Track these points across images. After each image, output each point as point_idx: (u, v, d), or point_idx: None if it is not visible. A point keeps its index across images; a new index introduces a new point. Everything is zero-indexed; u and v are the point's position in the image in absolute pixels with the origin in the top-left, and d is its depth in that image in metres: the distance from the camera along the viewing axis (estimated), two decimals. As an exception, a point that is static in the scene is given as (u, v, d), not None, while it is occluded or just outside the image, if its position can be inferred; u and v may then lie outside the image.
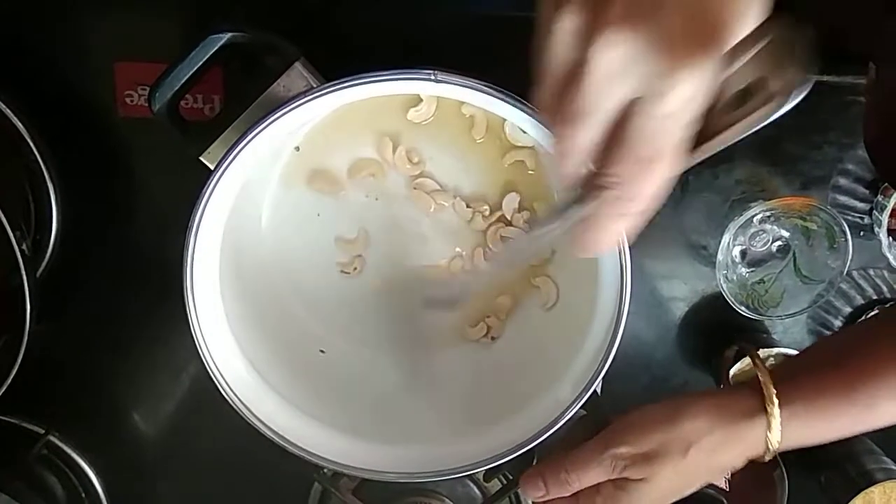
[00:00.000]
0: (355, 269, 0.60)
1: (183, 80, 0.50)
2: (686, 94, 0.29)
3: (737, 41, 0.29)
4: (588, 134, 0.32)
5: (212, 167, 0.48)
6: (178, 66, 0.49)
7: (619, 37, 0.29)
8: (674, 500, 0.48)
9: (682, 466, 0.45)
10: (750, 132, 0.33)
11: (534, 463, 0.53)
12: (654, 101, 0.30)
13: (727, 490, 0.66)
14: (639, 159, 0.32)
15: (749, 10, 0.29)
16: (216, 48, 0.49)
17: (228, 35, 0.49)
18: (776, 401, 0.44)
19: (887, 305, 0.67)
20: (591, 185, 0.34)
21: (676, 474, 0.45)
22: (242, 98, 0.50)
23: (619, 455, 0.46)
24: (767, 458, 0.46)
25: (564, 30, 0.30)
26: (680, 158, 0.32)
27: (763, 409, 0.45)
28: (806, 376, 0.46)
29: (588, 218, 0.35)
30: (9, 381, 0.54)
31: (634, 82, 0.30)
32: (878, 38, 0.48)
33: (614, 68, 0.30)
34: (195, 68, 0.49)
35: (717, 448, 0.45)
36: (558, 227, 0.38)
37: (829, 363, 0.46)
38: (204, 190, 0.47)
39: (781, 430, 0.44)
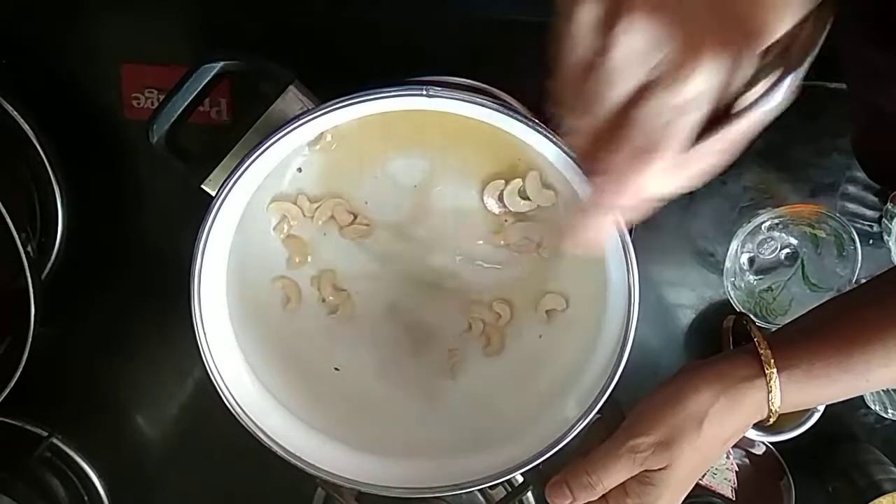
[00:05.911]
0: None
1: (179, 111, 0.51)
2: (700, 87, 0.29)
3: (772, 41, 0.28)
4: (597, 116, 0.31)
5: (213, 194, 0.48)
6: (174, 98, 0.50)
7: (642, 23, 0.29)
8: (696, 479, 0.48)
9: (699, 442, 0.45)
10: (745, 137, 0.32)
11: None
12: (666, 89, 0.29)
13: (734, 499, 0.66)
14: (635, 149, 0.31)
15: (787, 10, 0.28)
16: (210, 77, 0.50)
17: (221, 63, 0.50)
18: (774, 365, 0.45)
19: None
20: (589, 173, 0.33)
21: (695, 452, 0.46)
22: (240, 123, 0.51)
23: (637, 447, 0.45)
24: (771, 421, 0.46)
25: (586, 17, 0.30)
26: (679, 159, 0.31)
27: (762, 373, 0.45)
28: (802, 341, 0.46)
29: (580, 209, 0.34)
30: (12, 383, 0.54)
31: (651, 69, 0.29)
32: (858, 66, 0.48)
33: (635, 53, 0.29)
34: (190, 98, 0.50)
35: (726, 416, 0.46)
36: None
37: (823, 329, 0.47)
38: (206, 217, 0.47)
39: (781, 392, 0.45)
